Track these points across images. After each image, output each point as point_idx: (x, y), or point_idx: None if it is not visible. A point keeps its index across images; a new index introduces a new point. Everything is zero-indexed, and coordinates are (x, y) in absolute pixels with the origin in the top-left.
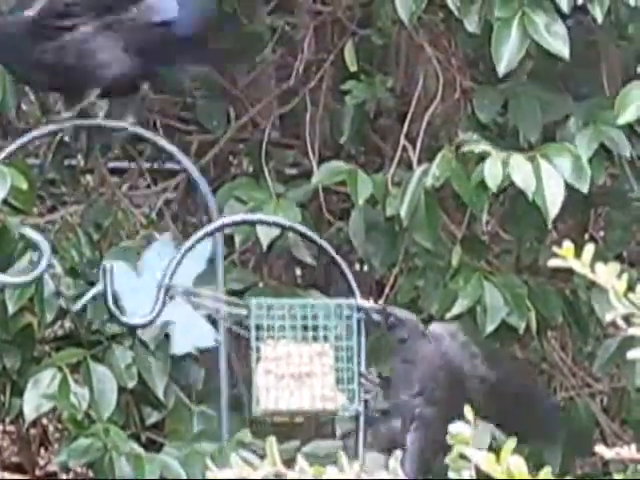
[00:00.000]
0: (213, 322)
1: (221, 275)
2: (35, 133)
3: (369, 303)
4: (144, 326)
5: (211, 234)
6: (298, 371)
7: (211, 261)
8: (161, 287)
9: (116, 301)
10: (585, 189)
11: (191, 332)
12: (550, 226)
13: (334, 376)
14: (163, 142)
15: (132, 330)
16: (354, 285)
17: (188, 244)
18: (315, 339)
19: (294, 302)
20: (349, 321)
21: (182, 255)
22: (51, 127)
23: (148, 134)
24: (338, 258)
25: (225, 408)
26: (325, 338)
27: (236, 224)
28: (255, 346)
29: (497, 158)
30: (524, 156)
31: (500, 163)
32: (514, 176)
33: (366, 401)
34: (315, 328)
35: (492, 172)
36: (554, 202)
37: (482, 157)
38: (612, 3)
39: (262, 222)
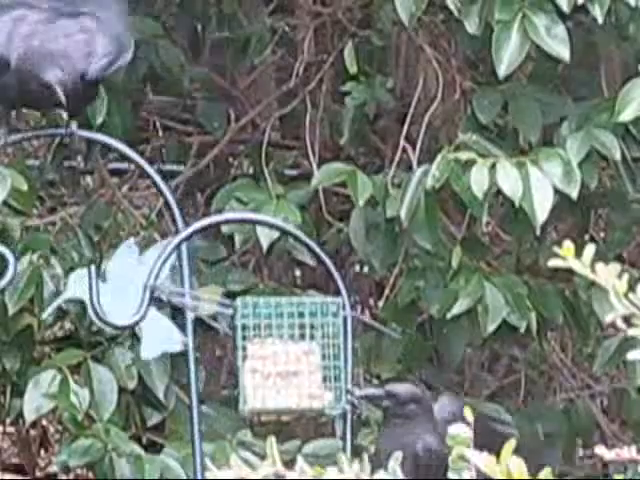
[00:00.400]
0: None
1: (187, 283)
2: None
3: (370, 390)
4: (129, 327)
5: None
6: (285, 370)
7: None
8: (146, 288)
9: (83, 308)
10: (575, 194)
11: (159, 336)
12: (539, 232)
13: (321, 374)
14: (129, 152)
15: (118, 331)
16: (342, 286)
17: (172, 245)
18: (302, 337)
19: (280, 300)
20: (336, 319)
21: (167, 256)
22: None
23: (117, 144)
24: (323, 256)
25: (196, 409)
26: (312, 336)
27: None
28: (241, 345)
29: (483, 165)
30: (512, 162)
31: (486, 170)
32: (501, 183)
33: (353, 405)
34: (302, 326)
35: (478, 180)
36: (542, 208)
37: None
38: (612, 3)
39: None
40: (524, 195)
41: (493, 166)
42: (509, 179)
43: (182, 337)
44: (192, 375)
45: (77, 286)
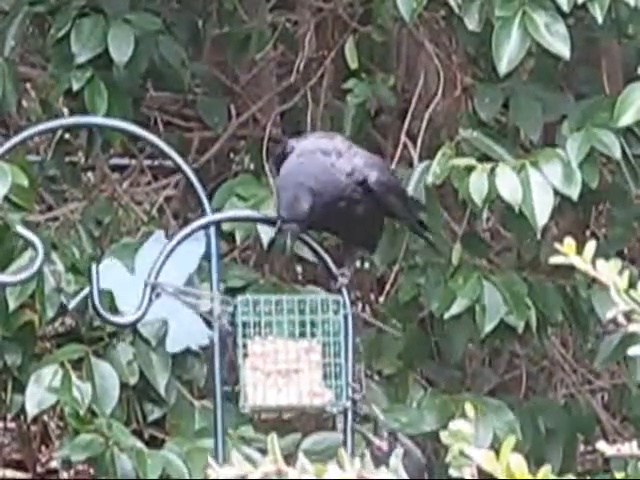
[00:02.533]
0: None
1: (216, 273)
2: (35, 129)
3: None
4: (131, 325)
5: (195, 232)
6: (285, 367)
7: (206, 259)
8: (147, 285)
9: (112, 299)
10: (575, 195)
11: (186, 330)
12: (539, 236)
13: (322, 372)
14: (160, 143)
15: (120, 329)
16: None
17: (173, 242)
18: (302, 335)
19: (281, 298)
20: (336, 316)
21: (168, 253)
22: (51, 124)
23: (146, 134)
24: (322, 252)
25: (220, 405)
26: (312, 334)
27: (221, 222)
28: (242, 343)
29: (482, 171)
30: (512, 165)
31: (486, 176)
32: (500, 189)
33: (354, 400)
34: (302, 324)
35: (477, 186)
36: (542, 212)
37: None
38: (612, 3)
39: (249, 219)
40: (524, 199)
41: (492, 170)
42: (508, 184)
43: (208, 331)
44: (217, 371)
45: (105, 277)
